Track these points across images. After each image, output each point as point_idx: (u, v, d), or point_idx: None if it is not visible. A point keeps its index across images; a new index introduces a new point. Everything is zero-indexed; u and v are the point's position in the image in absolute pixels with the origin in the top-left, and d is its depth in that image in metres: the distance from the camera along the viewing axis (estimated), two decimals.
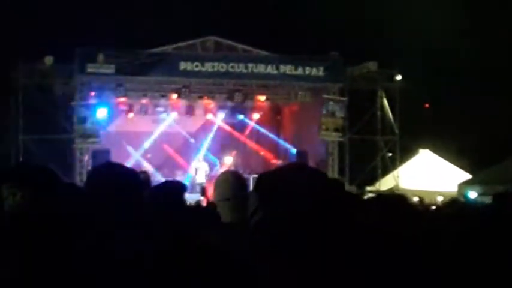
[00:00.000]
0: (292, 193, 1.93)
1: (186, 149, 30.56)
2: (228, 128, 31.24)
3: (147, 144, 29.24)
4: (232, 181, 4.51)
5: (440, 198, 21.39)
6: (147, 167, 28.37)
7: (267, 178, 2.07)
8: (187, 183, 27.98)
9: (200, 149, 30.26)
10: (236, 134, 31.54)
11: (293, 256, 1.90)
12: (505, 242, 4.24)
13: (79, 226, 3.33)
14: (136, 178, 3.83)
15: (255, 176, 27.72)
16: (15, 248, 3.14)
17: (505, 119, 30.03)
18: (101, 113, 26.25)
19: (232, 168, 28.71)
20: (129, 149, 28.88)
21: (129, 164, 27.62)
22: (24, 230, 3.22)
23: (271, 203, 1.96)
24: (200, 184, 26.44)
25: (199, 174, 27.94)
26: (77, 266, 3.18)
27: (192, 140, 30.88)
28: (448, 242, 4.19)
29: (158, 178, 27.92)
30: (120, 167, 3.98)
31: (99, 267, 3.25)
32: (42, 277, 3.07)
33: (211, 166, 29.03)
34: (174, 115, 29.23)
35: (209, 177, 27.58)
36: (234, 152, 31.06)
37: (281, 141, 31.58)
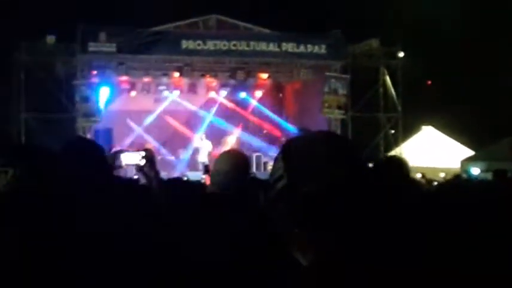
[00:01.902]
0: (320, 164, 1.91)
1: (188, 127, 30.50)
2: (230, 105, 31.17)
3: (148, 120, 29.22)
4: (232, 157, 4.70)
5: (442, 175, 21.44)
6: (152, 142, 28.49)
7: (295, 144, 2.04)
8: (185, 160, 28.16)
9: (202, 128, 30.24)
10: (239, 110, 31.48)
11: (323, 225, 1.89)
12: (504, 218, 4.25)
13: (67, 202, 3.34)
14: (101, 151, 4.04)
15: (258, 154, 27.91)
16: (7, 227, 3.15)
17: (508, 96, 29.99)
18: (103, 92, 26.30)
19: (235, 146, 28.75)
20: (132, 124, 28.86)
21: (130, 140, 27.83)
22: (16, 208, 3.23)
23: (297, 171, 1.94)
24: (203, 163, 26.45)
25: (201, 153, 27.92)
26: (67, 242, 3.19)
27: (199, 112, 30.82)
28: (447, 215, 4.19)
29: (162, 155, 28.09)
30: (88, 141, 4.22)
31: (90, 243, 3.26)
32: (34, 255, 3.08)
33: (214, 144, 29.03)
34: (176, 93, 29.18)
35: (212, 156, 27.62)
36: (237, 130, 31.07)
37: (279, 120, 31.53)
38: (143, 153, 4.92)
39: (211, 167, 4.83)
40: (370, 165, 4.93)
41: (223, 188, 4.44)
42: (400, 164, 5.27)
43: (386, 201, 2.05)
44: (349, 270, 1.80)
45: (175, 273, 3.83)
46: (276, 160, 2.03)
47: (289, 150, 2.00)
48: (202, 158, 27.45)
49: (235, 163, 4.59)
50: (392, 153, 28.65)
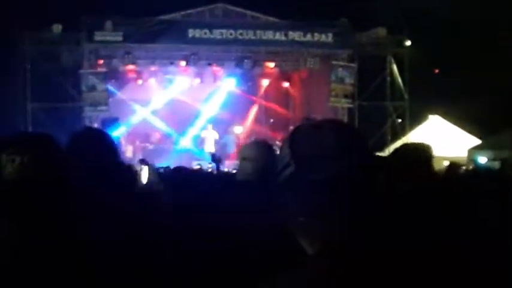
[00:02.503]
0: (328, 152, 1.90)
1: (195, 116, 30.54)
2: (237, 94, 31.20)
3: (155, 107, 29.30)
4: (260, 145, 4.81)
5: (446, 163, 21.40)
6: (159, 125, 28.64)
7: (302, 132, 2.02)
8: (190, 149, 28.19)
9: (206, 116, 30.30)
10: (246, 99, 31.53)
11: (328, 212, 1.87)
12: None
13: (74, 192, 3.34)
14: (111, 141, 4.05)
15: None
16: (13, 214, 3.14)
17: None
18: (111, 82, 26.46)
19: (242, 135, 28.81)
20: (137, 107, 28.91)
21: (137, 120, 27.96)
22: (23, 195, 3.22)
23: (304, 159, 1.92)
24: (210, 153, 26.54)
25: (207, 143, 27.99)
26: (74, 230, 3.18)
27: (206, 101, 30.90)
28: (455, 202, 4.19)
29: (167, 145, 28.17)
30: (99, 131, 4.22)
31: (96, 232, 3.25)
32: (40, 243, 3.07)
33: (221, 134, 29.08)
34: (182, 82, 29.21)
35: (220, 145, 27.67)
36: (245, 120, 31.15)
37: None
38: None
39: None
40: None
41: (253, 176, 4.49)
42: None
43: (392, 189, 2.04)
44: (356, 258, 1.79)
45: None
46: (282, 147, 2.01)
47: (296, 138, 1.99)
48: (209, 147, 27.51)
49: (265, 151, 4.64)
50: (399, 142, 28.61)
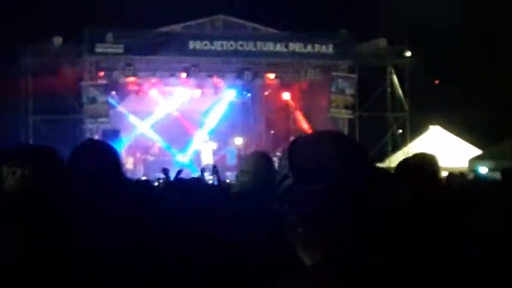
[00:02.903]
0: (326, 164, 1.91)
1: (195, 128, 30.54)
2: (238, 105, 31.24)
3: (155, 119, 29.32)
4: (258, 157, 4.81)
5: (446, 173, 21.39)
6: (158, 141, 28.66)
7: (300, 143, 2.04)
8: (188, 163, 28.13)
9: (207, 128, 30.34)
10: (247, 110, 31.57)
11: (326, 223, 1.89)
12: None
13: (75, 203, 3.35)
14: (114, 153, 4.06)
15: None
16: (14, 226, 3.15)
17: None
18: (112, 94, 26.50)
19: (242, 146, 28.81)
20: (136, 122, 28.88)
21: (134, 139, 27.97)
22: (24, 207, 3.23)
23: (303, 170, 1.93)
24: (207, 165, 26.61)
25: (204, 154, 28.03)
26: (74, 242, 3.19)
27: (206, 113, 30.93)
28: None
29: (167, 157, 28.16)
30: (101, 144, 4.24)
31: (96, 242, 3.27)
32: (41, 255, 3.08)
33: (220, 145, 29.11)
34: (183, 94, 29.27)
35: (219, 157, 27.66)
36: (244, 131, 31.16)
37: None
38: None
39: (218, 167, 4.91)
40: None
41: (251, 188, 4.50)
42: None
43: (391, 200, 2.06)
44: (355, 269, 1.80)
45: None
46: (281, 159, 2.03)
47: (295, 149, 2.00)
48: (207, 159, 27.50)
49: (264, 164, 4.67)
50: (400, 153, 28.62)
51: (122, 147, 26.04)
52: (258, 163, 4.62)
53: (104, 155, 3.99)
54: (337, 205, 1.87)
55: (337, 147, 1.96)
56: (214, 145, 28.48)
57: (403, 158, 5.21)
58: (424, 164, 4.77)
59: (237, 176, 4.78)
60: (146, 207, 4.18)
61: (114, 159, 4.05)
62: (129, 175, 19.18)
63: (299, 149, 2.00)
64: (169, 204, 5.06)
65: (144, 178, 22.11)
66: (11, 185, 3.32)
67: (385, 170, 5.54)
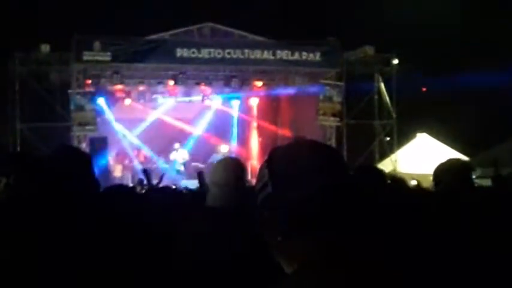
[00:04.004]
0: (305, 172, 1.92)
1: (185, 136, 30.53)
2: (225, 113, 31.24)
3: (142, 128, 29.29)
4: (230, 167, 4.52)
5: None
6: (143, 147, 28.65)
7: (279, 153, 2.05)
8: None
9: (196, 136, 30.40)
10: (235, 118, 31.56)
11: (307, 231, 1.89)
12: (504, 222, 4.28)
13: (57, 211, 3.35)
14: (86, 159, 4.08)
15: (252, 162, 27.96)
16: (4, 233, 3.15)
17: (503, 101, 30.06)
18: (100, 101, 26.44)
19: (228, 154, 28.79)
20: (126, 133, 28.82)
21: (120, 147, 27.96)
22: (8, 217, 3.23)
23: (281, 179, 1.94)
24: (177, 170, 26.82)
25: (177, 162, 28.17)
26: (60, 251, 3.19)
27: (193, 121, 30.98)
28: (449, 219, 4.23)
29: (155, 165, 28.15)
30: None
31: (83, 252, 3.27)
32: (32, 261, 3.08)
33: (209, 153, 29.09)
34: (171, 102, 29.26)
35: (206, 165, 27.65)
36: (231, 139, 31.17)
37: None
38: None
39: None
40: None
41: (224, 202, 4.33)
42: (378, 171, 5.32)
43: (369, 209, 2.06)
44: (334, 277, 1.80)
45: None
46: (261, 168, 2.04)
47: (274, 159, 2.02)
48: (179, 166, 27.67)
49: (234, 175, 4.43)
50: (387, 160, 28.69)
51: (109, 154, 26.00)
52: (228, 174, 4.39)
53: (77, 161, 3.99)
54: (317, 212, 1.88)
55: (315, 155, 1.97)
56: (185, 154, 28.46)
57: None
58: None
59: (208, 186, 4.55)
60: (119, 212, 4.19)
61: (87, 164, 4.06)
62: (117, 182, 19.18)
63: (278, 157, 2.01)
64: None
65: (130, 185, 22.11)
66: None
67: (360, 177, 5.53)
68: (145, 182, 13.49)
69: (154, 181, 12.29)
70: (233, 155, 28.66)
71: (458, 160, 5.15)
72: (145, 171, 11.46)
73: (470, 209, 4.38)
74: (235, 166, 4.56)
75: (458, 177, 4.82)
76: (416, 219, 4.30)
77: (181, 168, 27.66)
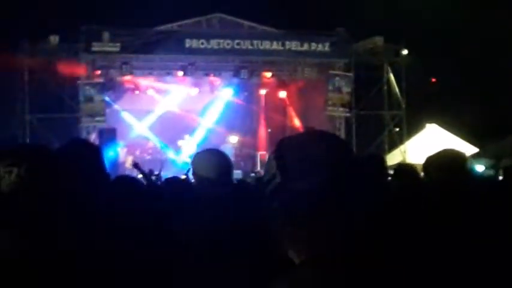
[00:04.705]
0: (313, 161, 1.91)
1: (193, 126, 30.53)
2: (234, 104, 31.21)
3: (151, 119, 29.30)
4: (214, 162, 4.53)
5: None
6: (153, 138, 28.66)
7: (287, 143, 2.04)
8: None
9: (206, 127, 30.37)
10: (244, 109, 31.54)
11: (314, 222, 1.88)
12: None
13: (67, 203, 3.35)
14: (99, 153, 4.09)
15: (262, 152, 27.98)
16: (10, 228, 3.14)
17: None
18: (109, 92, 26.49)
19: (238, 145, 28.82)
20: (135, 123, 28.77)
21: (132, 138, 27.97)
22: (19, 209, 3.23)
23: (290, 170, 1.94)
24: (185, 162, 26.78)
25: (184, 151, 28.09)
26: (70, 244, 3.20)
27: (201, 112, 30.98)
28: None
29: (164, 156, 28.19)
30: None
31: (91, 244, 3.27)
32: (38, 257, 3.08)
33: (218, 144, 29.09)
34: (180, 92, 29.25)
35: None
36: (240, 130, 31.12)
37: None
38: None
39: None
40: None
41: (210, 195, 4.33)
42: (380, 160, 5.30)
43: (377, 197, 2.06)
44: (342, 267, 1.80)
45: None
46: (269, 159, 2.03)
47: (282, 149, 2.01)
48: (185, 158, 27.65)
49: (219, 169, 4.44)
50: (396, 151, 28.66)
51: (119, 145, 26.02)
52: (214, 167, 4.41)
53: (87, 154, 4.00)
54: (326, 203, 1.87)
55: (323, 145, 1.96)
56: (194, 146, 28.41)
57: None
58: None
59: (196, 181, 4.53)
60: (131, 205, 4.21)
61: (97, 158, 4.07)
62: (128, 173, 19.21)
63: (286, 147, 2.00)
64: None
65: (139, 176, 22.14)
66: (8, 185, 3.31)
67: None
68: (155, 172, 13.53)
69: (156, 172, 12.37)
70: (242, 146, 28.78)
71: (449, 151, 5.07)
72: (136, 165, 11.44)
73: (466, 201, 4.35)
74: (219, 160, 4.59)
75: (447, 169, 4.76)
76: (417, 212, 4.29)
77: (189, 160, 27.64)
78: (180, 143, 28.77)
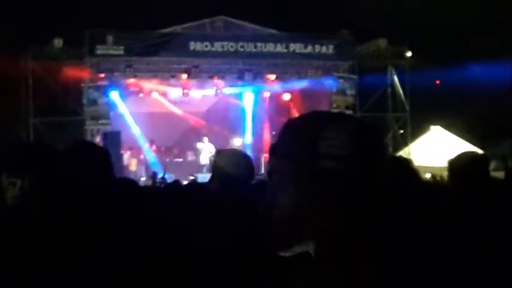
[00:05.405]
0: (333, 140, 1.85)
1: (198, 129, 30.55)
2: (239, 106, 31.20)
3: (154, 122, 29.27)
4: (237, 160, 4.52)
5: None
6: (159, 144, 28.69)
7: (302, 123, 1.98)
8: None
9: (209, 129, 30.35)
10: (248, 111, 31.52)
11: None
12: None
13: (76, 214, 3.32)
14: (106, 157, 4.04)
15: (266, 155, 27.96)
16: (14, 243, 3.11)
17: None
18: (113, 95, 26.47)
19: (242, 147, 28.80)
20: (134, 129, 28.70)
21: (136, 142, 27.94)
22: (23, 223, 3.17)
23: (306, 149, 1.87)
24: (204, 165, 26.70)
25: (203, 154, 28.02)
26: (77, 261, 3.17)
27: (207, 114, 30.98)
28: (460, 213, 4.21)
29: (168, 158, 28.25)
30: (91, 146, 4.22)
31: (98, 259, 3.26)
32: (44, 273, 3.05)
33: (221, 146, 29.05)
34: (184, 95, 29.22)
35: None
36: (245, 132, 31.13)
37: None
38: None
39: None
40: None
41: (232, 191, 4.32)
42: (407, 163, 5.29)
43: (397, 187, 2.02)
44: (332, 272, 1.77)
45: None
46: (282, 138, 1.97)
47: (298, 127, 1.95)
48: (204, 160, 27.55)
49: (245, 166, 4.45)
50: (401, 153, 28.62)
51: (123, 148, 26.03)
52: (236, 166, 4.42)
53: (95, 158, 3.96)
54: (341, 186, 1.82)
55: (343, 126, 1.90)
56: (212, 148, 28.35)
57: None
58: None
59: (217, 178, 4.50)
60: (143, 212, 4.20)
61: (104, 161, 4.03)
62: (132, 176, 19.22)
63: (301, 127, 1.94)
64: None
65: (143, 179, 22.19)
66: (13, 197, 3.24)
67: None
68: (159, 175, 13.57)
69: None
70: (246, 149, 28.73)
71: (474, 153, 5.10)
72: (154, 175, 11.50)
73: (486, 204, 4.35)
74: (244, 159, 4.58)
75: (475, 171, 4.77)
76: (427, 211, 4.28)
77: (207, 161, 27.48)
78: (199, 145, 28.71)
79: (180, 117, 29.97)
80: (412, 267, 1.81)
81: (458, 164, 4.96)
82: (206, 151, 28.08)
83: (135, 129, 28.25)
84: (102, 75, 26.38)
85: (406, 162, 5.05)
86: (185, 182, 11.68)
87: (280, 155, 1.91)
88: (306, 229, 1.83)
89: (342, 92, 27.88)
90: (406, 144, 29.14)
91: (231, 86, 29.38)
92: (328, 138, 1.81)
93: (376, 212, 1.83)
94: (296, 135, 1.89)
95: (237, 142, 29.93)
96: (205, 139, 28.86)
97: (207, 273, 3.73)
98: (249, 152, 29.49)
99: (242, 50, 26.52)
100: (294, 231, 1.86)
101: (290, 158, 1.86)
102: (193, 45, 26.10)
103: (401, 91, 28.90)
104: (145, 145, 28.45)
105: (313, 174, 1.79)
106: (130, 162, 27.22)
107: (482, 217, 4.15)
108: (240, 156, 4.63)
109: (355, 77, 28.07)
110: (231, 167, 4.39)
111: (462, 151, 5.17)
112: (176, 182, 8.18)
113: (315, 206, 1.80)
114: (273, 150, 1.96)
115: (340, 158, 1.78)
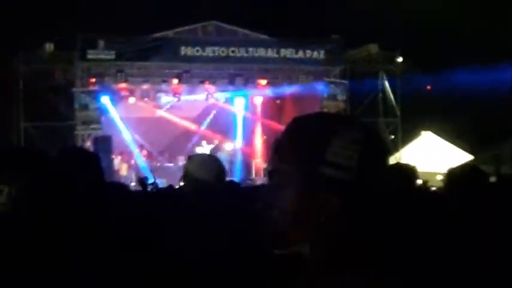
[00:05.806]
0: (341, 143, 1.85)
1: (189, 134, 30.51)
2: (229, 111, 31.16)
3: (144, 127, 29.23)
4: (206, 164, 4.62)
5: (439, 178, 21.36)
6: (149, 149, 28.63)
7: (307, 124, 1.99)
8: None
9: (201, 134, 30.32)
10: (239, 116, 31.49)
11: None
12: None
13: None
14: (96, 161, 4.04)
15: (257, 160, 27.98)
16: (11, 246, 3.06)
17: (507, 100, 29.99)
18: (104, 100, 26.42)
19: (232, 152, 28.81)
20: (130, 131, 28.63)
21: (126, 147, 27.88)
22: (8, 233, 3.12)
23: (310, 150, 1.86)
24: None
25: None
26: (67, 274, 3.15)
27: (197, 119, 30.93)
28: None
29: (160, 162, 28.21)
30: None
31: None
32: (44, 273, 3.03)
33: (213, 151, 29.07)
34: (175, 100, 29.19)
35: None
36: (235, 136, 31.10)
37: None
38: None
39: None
40: None
41: (202, 195, 4.39)
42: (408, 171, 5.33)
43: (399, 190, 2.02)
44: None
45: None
46: (287, 137, 1.97)
47: (305, 129, 1.94)
48: None
49: (215, 171, 4.56)
50: (392, 158, 28.62)
51: (114, 153, 25.98)
52: (207, 171, 4.54)
53: (86, 164, 3.96)
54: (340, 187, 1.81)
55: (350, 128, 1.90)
56: (208, 150, 28.36)
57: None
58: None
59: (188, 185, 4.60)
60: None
61: (95, 167, 4.03)
62: (122, 181, 19.18)
63: (307, 128, 1.94)
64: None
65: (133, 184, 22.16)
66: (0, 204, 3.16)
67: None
68: (149, 181, 13.49)
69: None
70: (238, 154, 28.75)
71: (474, 165, 5.14)
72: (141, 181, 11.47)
73: (483, 208, 4.38)
74: (214, 164, 4.70)
75: (475, 182, 4.81)
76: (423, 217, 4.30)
77: None
78: (198, 149, 28.67)
79: (171, 122, 29.91)
80: (412, 268, 1.81)
81: (460, 175, 4.98)
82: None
83: (126, 134, 28.17)
84: (93, 79, 26.35)
85: (411, 170, 5.08)
86: (177, 187, 11.68)
87: (284, 156, 1.91)
88: (305, 230, 1.84)
89: (333, 97, 27.89)
90: (396, 149, 29.15)
91: (222, 91, 29.37)
92: (336, 147, 1.81)
93: (377, 215, 1.83)
94: (303, 138, 1.90)
95: (228, 147, 29.93)
96: (204, 143, 28.89)
97: (206, 274, 3.73)
98: (240, 157, 29.61)
99: (233, 55, 26.53)
100: (293, 232, 1.86)
101: (295, 160, 1.86)
102: (185, 50, 26.11)
103: (392, 96, 28.95)
104: (136, 150, 28.39)
105: (317, 179, 1.80)
106: (121, 167, 27.17)
107: (480, 220, 4.17)
108: (209, 160, 4.76)
109: (346, 82, 28.09)
110: (200, 172, 4.47)
111: (463, 162, 5.24)
112: (170, 187, 8.21)
113: (316, 208, 1.80)
114: (277, 149, 1.94)
115: (345, 168, 1.79)
